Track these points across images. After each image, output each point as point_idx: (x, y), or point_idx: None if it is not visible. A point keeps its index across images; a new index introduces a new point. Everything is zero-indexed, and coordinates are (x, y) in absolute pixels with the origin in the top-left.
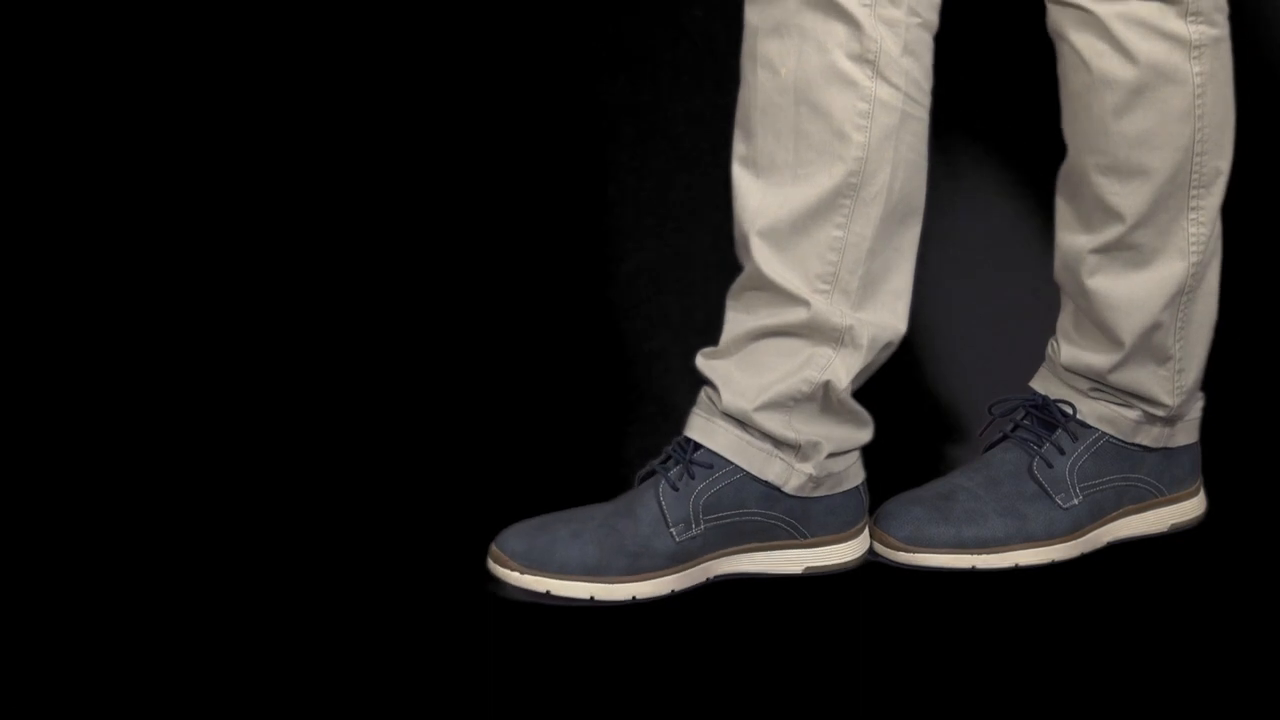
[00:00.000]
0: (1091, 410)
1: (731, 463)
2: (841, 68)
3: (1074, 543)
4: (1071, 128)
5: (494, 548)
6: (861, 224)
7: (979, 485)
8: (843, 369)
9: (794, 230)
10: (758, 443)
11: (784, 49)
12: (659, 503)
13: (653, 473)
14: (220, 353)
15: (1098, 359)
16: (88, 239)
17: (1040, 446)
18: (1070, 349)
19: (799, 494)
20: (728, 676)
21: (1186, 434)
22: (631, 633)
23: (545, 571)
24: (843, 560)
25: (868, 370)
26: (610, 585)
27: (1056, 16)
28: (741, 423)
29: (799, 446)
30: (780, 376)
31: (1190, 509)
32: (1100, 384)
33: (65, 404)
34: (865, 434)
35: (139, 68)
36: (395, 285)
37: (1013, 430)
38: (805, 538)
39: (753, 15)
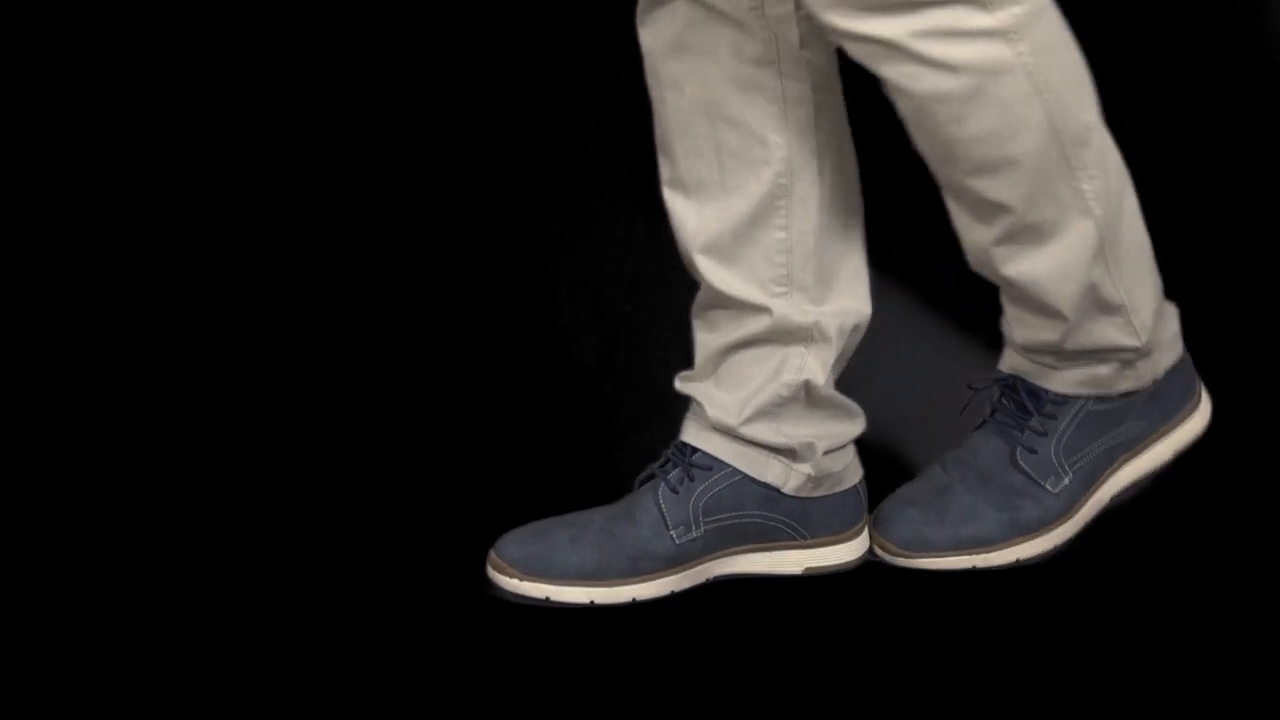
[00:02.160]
0: (1067, 379)
1: (730, 465)
2: (744, 75)
3: (1071, 521)
4: (921, 147)
5: (492, 554)
6: (802, 221)
7: (972, 481)
8: (818, 365)
9: (737, 242)
10: (752, 450)
11: (684, 67)
12: (658, 505)
13: (651, 476)
14: (220, 359)
15: (1047, 334)
16: (83, 239)
17: (1020, 433)
18: (1021, 330)
19: (798, 494)
20: (728, 677)
21: (1171, 353)
22: (631, 633)
23: (544, 577)
24: (843, 561)
25: (843, 358)
26: (610, 589)
27: (858, 54)
28: (732, 434)
29: (794, 450)
30: (759, 386)
31: (1187, 433)
32: (1062, 354)
33: (63, 405)
34: (857, 425)
35: (138, 67)
36: (393, 289)
37: (991, 414)
38: (805, 539)
39: (646, 37)
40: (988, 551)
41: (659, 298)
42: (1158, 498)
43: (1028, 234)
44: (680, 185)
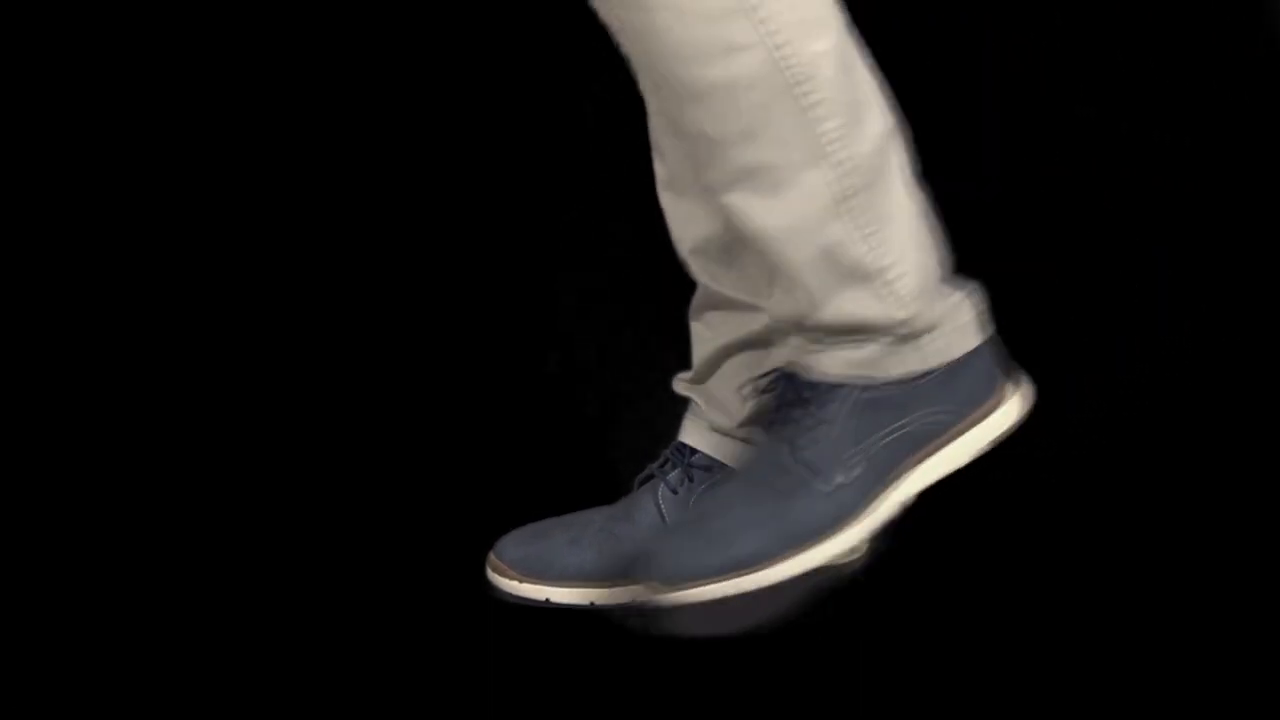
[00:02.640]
0: (829, 364)
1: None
2: None
3: (860, 525)
4: (634, 64)
5: (492, 556)
6: None
7: (738, 491)
8: None
9: (732, 242)
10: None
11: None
12: (658, 506)
13: (650, 477)
14: (221, 360)
15: (789, 306)
16: (81, 238)
17: (785, 428)
18: (769, 302)
19: None
20: (728, 677)
21: (966, 336)
22: (631, 633)
23: (544, 579)
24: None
25: None
26: (610, 589)
27: None
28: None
29: None
30: (756, 387)
31: (992, 426)
32: (817, 330)
33: (61, 406)
34: None
35: (138, 67)
36: (392, 289)
37: (769, 421)
38: None
39: None
40: (755, 571)
41: (658, 297)
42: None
43: (753, 180)
44: (674, 186)
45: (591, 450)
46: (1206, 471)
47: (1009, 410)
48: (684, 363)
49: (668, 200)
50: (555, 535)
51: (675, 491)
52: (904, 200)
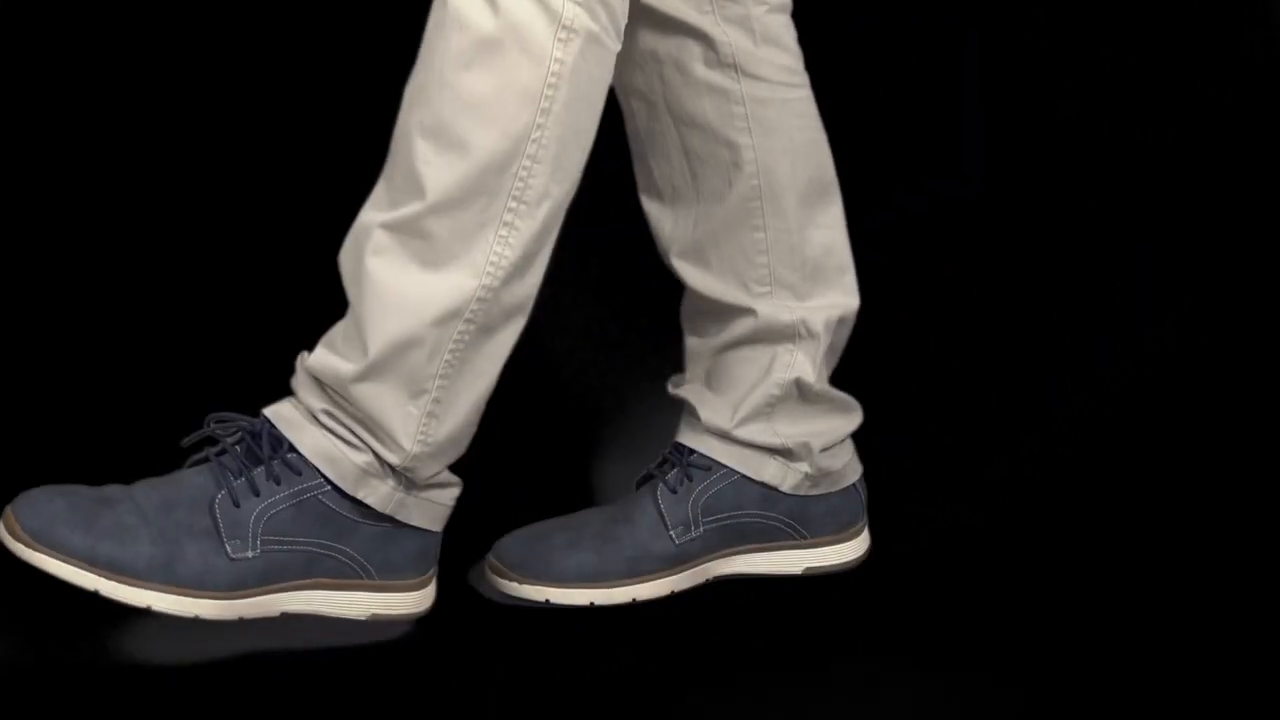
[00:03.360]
0: (313, 442)
1: (728, 467)
2: (705, 80)
3: (238, 602)
4: (412, 78)
5: (491, 558)
6: (777, 219)
7: (153, 506)
8: (807, 362)
9: (714, 245)
10: (748, 451)
11: (647, 77)
12: (657, 506)
13: (649, 477)
14: (221, 362)
15: (344, 364)
16: (79, 238)
17: (235, 479)
18: (322, 349)
19: (796, 492)
20: (728, 677)
21: (425, 515)
22: (631, 633)
23: (543, 580)
24: (843, 561)
25: (833, 350)
26: (610, 590)
27: None
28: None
29: (790, 450)
30: (750, 387)
31: (397, 603)
32: (338, 400)
33: (60, 407)
34: (854, 419)
35: (137, 66)
36: None
37: (219, 453)
38: (805, 539)
39: None
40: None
41: (657, 297)
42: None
43: (417, 242)
44: (654, 191)
45: (590, 450)
46: (1189, 468)
47: (368, 603)
48: (681, 362)
49: (650, 206)
50: (554, 536)
51: (674, 491)
52: (490, 373)
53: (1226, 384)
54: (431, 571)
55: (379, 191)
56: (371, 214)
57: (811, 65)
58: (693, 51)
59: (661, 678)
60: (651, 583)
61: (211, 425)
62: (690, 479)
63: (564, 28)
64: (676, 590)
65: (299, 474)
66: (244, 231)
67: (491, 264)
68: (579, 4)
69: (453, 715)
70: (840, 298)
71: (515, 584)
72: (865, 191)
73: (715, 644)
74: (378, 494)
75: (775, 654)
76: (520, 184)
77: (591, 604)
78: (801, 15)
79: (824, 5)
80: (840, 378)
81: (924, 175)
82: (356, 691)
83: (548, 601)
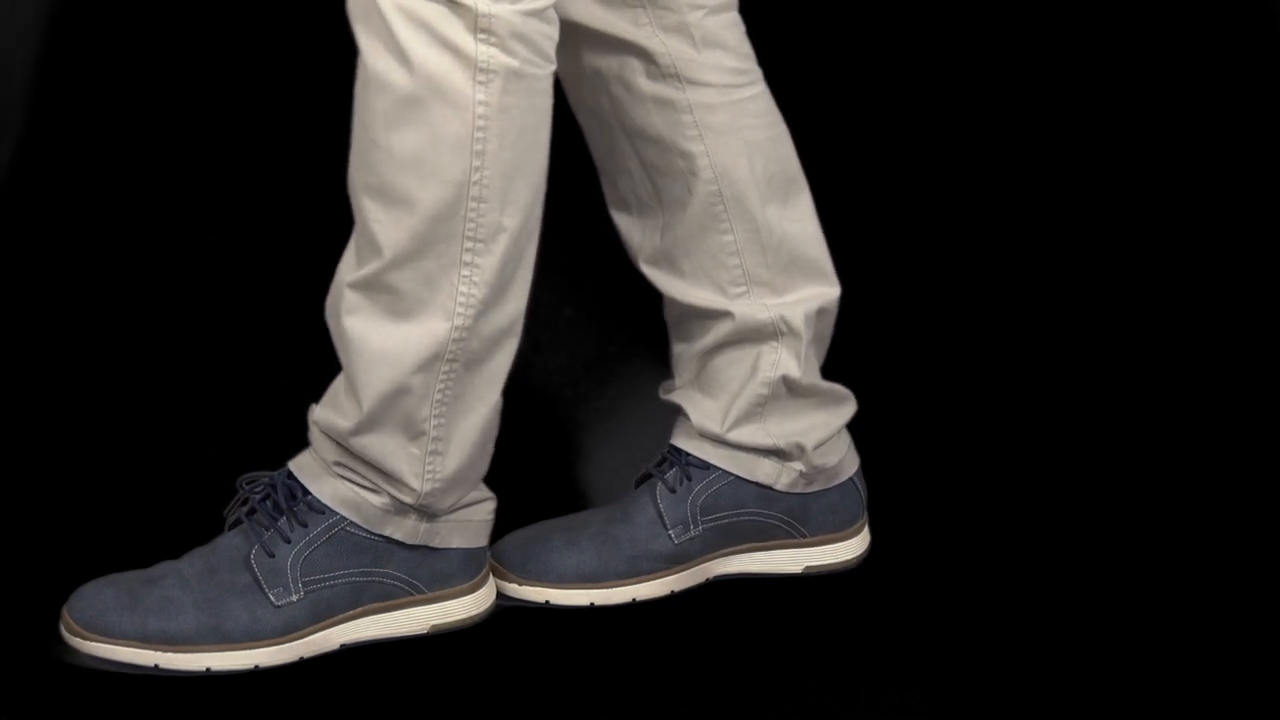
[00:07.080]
0: (332, 490)
1: (723, 469)
2: (650, 93)
3: (294, 643)
4: (352, 139)
5: (491, 559)
6: (744, 220)
7: (196, 574)
8: (792, 358)
9: (684, 251)
10: (741, 453)
11: (595, 95)
12: (656, 506)
13: (648, 476)
14: (221, 362)
15: (342, 420)
16: (79, 238)
17: (265, 532)
18: (324, 405)
19: (792, 490)
20: (727, 677)
21: (461, 536)
22: (631, 633)
23: (543, 581)
24: (842, 560)
25: (819, 340)
26: (609, 590)
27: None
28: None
29: (783, 450)
30: (738, 389)
31: (424, 617)
32: (346, 451)
33: (59, 408)
34: (847, 409)
35: (137, 66)
36: None
37: (249, 513)
38: (804, 537)
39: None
40: (176, 651)
41: (656, 297)
42: None
43: (386, 297)
44: (621, 204)
45: (588, 451)
46: (1189, 468)
47: (425, 616)
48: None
49: (618, 218)
50: (553, 537)
51: (673, 491)
52: (490, 398)
53: (1226, 384)
54: (484, 572)
55: (348, 252)
56: (342, 274)
57: (810, 63)
58: (634, 67)
59: (661, 678)
60: (651, 582)
61: (243, 487)
62: (689, 478)
63: (481, 70)
64: (676, 590)
65: (323, 513)
66: (261, 251)
67: (460, 304)
68: (492, 44)
69: (453, 716)
70: (819, 288)
71: (515, 585)
72: (865, 188)
73: (715, 644)
74: (403, 529)
75: (775, 654)
76: (471, 225)
77: (591, 604)
78: (802, 15)
79: (824, 5)
80: (841, 374)
81: (922, 177)
82: (356, 691)
83: (547, 602)
